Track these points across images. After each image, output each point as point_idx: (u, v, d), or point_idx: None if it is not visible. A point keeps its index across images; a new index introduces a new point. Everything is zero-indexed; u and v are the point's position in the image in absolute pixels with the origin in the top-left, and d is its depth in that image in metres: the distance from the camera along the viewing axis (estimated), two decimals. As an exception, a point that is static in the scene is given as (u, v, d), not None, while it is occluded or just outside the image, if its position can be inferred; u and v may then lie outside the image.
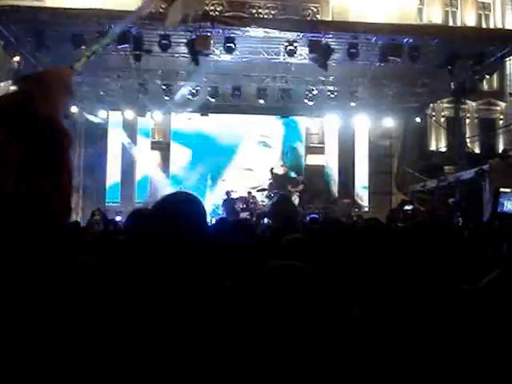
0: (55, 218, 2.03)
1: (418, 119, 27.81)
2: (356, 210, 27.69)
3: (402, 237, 3.74)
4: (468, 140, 31.72)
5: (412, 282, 3.21)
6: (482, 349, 2.85)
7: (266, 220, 20.07)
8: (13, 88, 2.23)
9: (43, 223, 1.97)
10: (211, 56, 21.64)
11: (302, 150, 30.83)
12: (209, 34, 20.18)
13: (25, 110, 2.01)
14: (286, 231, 5.96)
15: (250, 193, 25.06)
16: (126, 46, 19.85)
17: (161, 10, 27.34)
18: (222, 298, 2.73)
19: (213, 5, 28.57)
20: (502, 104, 36.72)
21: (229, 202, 24.60)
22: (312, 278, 2.76)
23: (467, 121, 34.28)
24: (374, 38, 20.83)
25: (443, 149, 33.59)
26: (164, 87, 24.59)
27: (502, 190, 18.48)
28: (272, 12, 28.47)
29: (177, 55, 21.73)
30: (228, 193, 25.02)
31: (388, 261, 3.66)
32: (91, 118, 27.36)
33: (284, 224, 7.55)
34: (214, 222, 17.50)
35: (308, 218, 16.56)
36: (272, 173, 24.19)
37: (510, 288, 3.24)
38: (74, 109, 26.03)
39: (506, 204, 18.23)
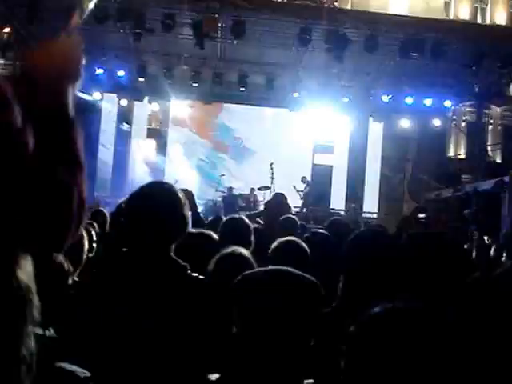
0: (77, 213, 1.82)
1: (437, 122, 27.68)
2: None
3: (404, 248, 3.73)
4: (489, 148, 31.62)
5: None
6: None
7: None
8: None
9: (64, 221, 1.79)
10: (217, 40, 21.49)
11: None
12: (217, 15, 19.99)
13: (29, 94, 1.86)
14: (279, 233, 5.85)
15: (252, 189, 24.90)
16: (126, 23, 19.74)
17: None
18: (199, 295, 2.95)
19: (222, -15, 28.45)
20: (529, 111, 36.53)
21: (229, 199, 24.49)
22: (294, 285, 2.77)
23: (490, 127, 34.14)
24: (396, 32, 20.67)
25: (462, 156, 33.41)
26: (165, 71, 24.40)
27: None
28: (286, -4, 28.32)
29: (180, 37, 21.45)
30: (229, 189, 24.93)
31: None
32: (84, 96, 27.21)
33: (277, 225, 7.36)
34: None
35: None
36: (272, 168, 23.88)
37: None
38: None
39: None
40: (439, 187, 27.14)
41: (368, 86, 25.13)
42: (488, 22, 34.50)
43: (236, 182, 26.74)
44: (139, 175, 27.91)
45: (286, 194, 10.34)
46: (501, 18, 34.74)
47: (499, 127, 35.66)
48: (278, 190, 22.61)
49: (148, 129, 29.92)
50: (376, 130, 29.79)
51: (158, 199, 2.94)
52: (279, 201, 10.02)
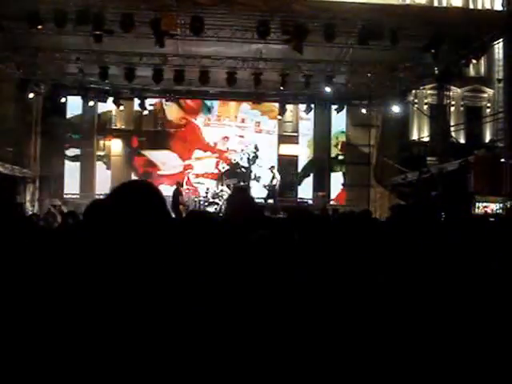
0: None
1: (398, 106, 27.90)
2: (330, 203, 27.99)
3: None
4: (452, 129, 31.85)
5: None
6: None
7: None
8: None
9: None
10: (177, 37, 21.48)
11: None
12: (175, 13, 19.98)
13: None
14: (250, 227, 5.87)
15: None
16: (86, 25, 19.71)
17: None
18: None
19: (180, -18, 28.42)
20: (490, 91, 36.76)
21: (174, 194, 24.46)
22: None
23: (452, 109, 34.30)
24: (354, 19, 20.76)
25: (426, 138, 33.67)
26: (126, 71, 24.39)
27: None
28: (244, -10, 28.35)
29: (140, 36, 21.37)
30: (178, 183, 25.13)
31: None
32: (49, 103, 27.23)
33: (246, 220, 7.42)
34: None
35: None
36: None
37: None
38: (30, 94, 25.90)
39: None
40: (405, 171, 27.31)
41: (329, 74, 25.19)
42: (445, 4, 34.65)
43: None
44: (106, 176, 27.97)
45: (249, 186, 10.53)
46: (457, 0, 34.93)
47: (461, 108, 36.00)
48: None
49: (113, 129, 29.70)
50: (339, 117, 29.93)
51: (139, 193, 2.88)
52: (239, 194, 10.19)
